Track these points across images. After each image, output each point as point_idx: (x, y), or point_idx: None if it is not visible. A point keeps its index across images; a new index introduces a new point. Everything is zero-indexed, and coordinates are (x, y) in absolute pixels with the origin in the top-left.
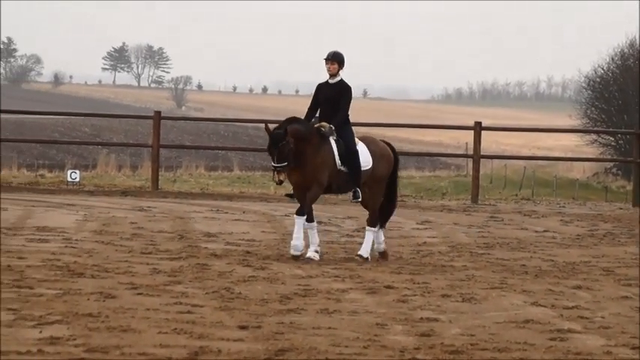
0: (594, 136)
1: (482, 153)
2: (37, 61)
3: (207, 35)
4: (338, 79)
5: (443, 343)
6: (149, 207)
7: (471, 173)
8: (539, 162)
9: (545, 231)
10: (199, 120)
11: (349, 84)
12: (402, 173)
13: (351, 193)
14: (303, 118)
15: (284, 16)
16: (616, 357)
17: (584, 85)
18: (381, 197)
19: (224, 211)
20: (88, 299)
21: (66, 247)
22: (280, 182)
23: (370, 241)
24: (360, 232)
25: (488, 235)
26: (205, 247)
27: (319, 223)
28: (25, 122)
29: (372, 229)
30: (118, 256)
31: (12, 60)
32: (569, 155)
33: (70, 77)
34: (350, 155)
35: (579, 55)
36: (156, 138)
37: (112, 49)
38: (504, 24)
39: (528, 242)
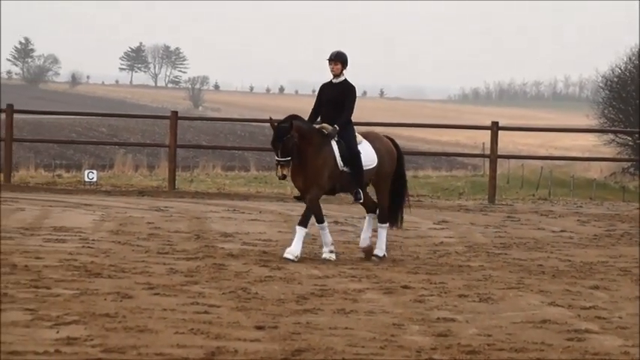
0: (611, 136)
1: (499, 153)
2: (55, 61)
3: (207, 35)
4: (342, 79)
5: (460, 343)
6: (166, 207)
7: (487, 173)
8: (557, 162)
9: (562, 231)
10: (216, 120)
11: (353, 84)
12: (418, 173)
13: (352, 195)
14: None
15: (284, 16)
16: (633, 357)
17: (601, 84)
18: (387, 193)
19: (241, 211)
20: (105, 299)
21: (83, 247)
22: (284, 177)
23: (384, 238)
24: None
25: (505, 235)
26: (222, 247)
27: (335, 223)
28: (43, 122)
29: (384, 225)
30: (134, 256)
31: (29, 60)
32: (587, 155)
33: (88, 77)
34: (351, 156)
35: (579, 55)
36: (173, 138)
37: (129, 49)
38: (504, 24)
39: (545, 242)
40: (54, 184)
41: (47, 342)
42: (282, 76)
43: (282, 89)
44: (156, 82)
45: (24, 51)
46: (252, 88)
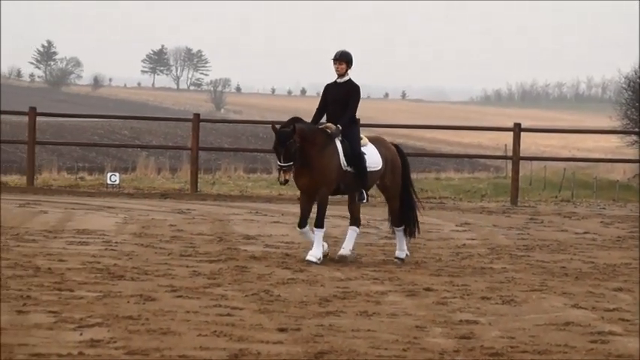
0: (635, 137)
1: (521, 154)
2: (77, 64)
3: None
4: (346, 78)
5: (482, 345)
6: (188, 209)
7: (510, 175)
8: (579, 163)
9: (585, 233)
10: (238, 122)
11: (358, 83)
12: (441, 175)
13: (357, 195)
14: (311, 118)
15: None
16: None
17: (624, 85)
18: (397, 198)
19: (263, 213)
20: (128, 302)
21: (106, 249)
22: (286, 182)
23: (403, 240)
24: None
25: (528, 237)
26: (244, 250)
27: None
28: (65, 125)
29: (399, 228)
30: (157, 259)
31: (52, 63)
32: (610, 157)
33: (110, 80)
34: (355, 156)
35: (579, 55)
36: (195, 140)
37: (151, 52)
38: (504, 24)
39: (568, 244)
40: (76, 187)
41: (70, 344)
42: (304, 78)
43: (303, 91)
44: (178, 85)
45: (46, 54)
46: (273, 90)
